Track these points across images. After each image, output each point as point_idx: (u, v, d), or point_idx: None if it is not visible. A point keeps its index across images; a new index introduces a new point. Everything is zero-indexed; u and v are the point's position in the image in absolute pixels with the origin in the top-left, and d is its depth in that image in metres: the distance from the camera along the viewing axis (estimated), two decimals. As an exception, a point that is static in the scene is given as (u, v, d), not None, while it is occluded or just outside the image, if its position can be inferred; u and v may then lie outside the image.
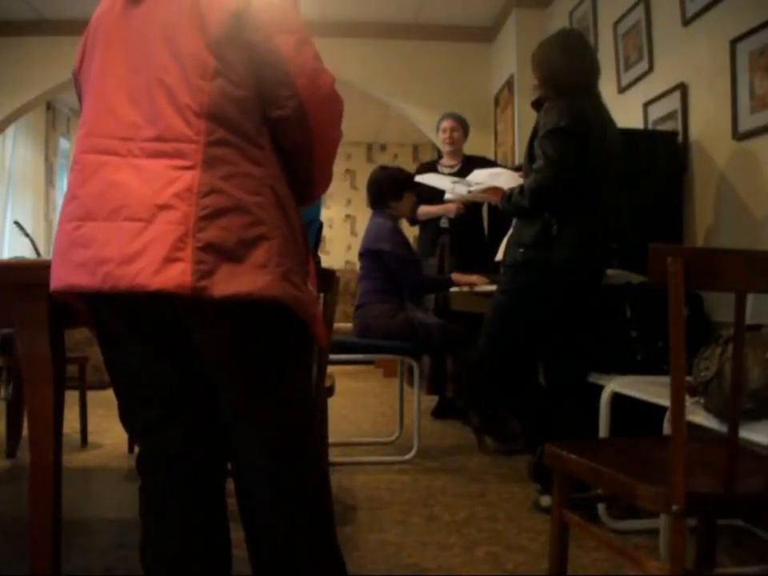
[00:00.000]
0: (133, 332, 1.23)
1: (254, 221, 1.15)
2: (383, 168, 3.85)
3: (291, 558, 1.25)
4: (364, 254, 3.70)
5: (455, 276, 3.72)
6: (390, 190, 3.70)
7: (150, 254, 1.09)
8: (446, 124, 4.39)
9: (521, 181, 2.77)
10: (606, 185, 2.49)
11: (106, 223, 1.13)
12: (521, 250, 2.51)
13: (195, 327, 1.18)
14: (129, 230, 1.11)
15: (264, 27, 1.19)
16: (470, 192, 2.99)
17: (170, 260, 1.09)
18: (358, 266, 3.87)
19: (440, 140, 4.49)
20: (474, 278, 3.65)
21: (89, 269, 1.13)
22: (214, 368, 1.21)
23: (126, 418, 1.33)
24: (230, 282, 1.10)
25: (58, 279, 1.18)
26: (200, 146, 1.14)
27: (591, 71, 2.56)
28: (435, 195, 3.77)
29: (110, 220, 1.13)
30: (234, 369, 1.20)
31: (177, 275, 1.08)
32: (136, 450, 1.33)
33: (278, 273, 1.14)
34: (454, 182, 3.20)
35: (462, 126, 4.41)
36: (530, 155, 2.52)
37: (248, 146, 1.18)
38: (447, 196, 3.52)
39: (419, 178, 3.73)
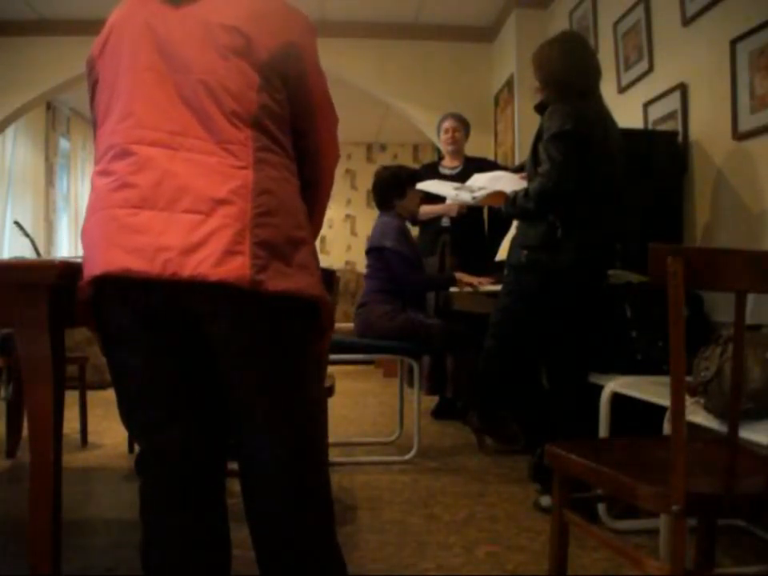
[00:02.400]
0: (143, 329, 1.22)
1: (298, 223, 1.24)
2: (385, 168, 3.85)
3: (298, 557, 1.26)
4: (369, 252, 3.71)
5: (459, 275, 3.72)
6: (393, 189, 3.70)
7: (211, 246, 1.13)
8: (448, 124, 4.38)
9: (522, 183, 2.77)
10: (609, 187, 2.50)
11: (164, 213, 1.15)
12: (525, 252, 2.51)
13: (223, 321, 1.19)
14: (188, 221, 1.14)
15: (304, 66, 1.31)
16: (474, 199, 2.98)
17: (230, 253, 1.13)
18: (358, 266, 3.86)
19: (441, 140, 4.48)
20: (477, 279, 3.65)
21: (146, 255, 1.13)
22: (236, 363, 1.22)
23: (127, 417, 1.32)
24: (281, 279, 1.16)
25: (109, 263, 1.16)
26: (249, 150, 1.21)
27: (593, 74, 2.57)
28: (436, 194, 3.76)
29: (168, 210, 1.15)
30: (257, 363, 1.22)
31: (237, 268, 1.13)
32: (136, 449, 1.33)
33: (316, 275, 1.23)
34: (457, 189, 3.18)
35: (463, 126, 4.40)
36: (535, 159, 2.52)
37: (284, 156, 1.27)
38: (449, 202, 3.50)
39: (420, 186, 3.72)
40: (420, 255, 3.87)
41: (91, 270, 1.19)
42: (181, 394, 1.26)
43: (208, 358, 1.23)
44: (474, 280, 3.65)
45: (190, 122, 1.20)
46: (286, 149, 1.28)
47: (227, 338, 1.20)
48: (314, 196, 1.42)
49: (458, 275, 3.72)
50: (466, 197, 3.04)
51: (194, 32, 1.23)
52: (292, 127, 1.32)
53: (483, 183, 3.04)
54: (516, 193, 2.57)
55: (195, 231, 1.14)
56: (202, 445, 1.29)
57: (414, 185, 3.73)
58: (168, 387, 1.25)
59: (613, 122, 2.56)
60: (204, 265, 1.12)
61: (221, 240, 1.13)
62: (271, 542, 1.27)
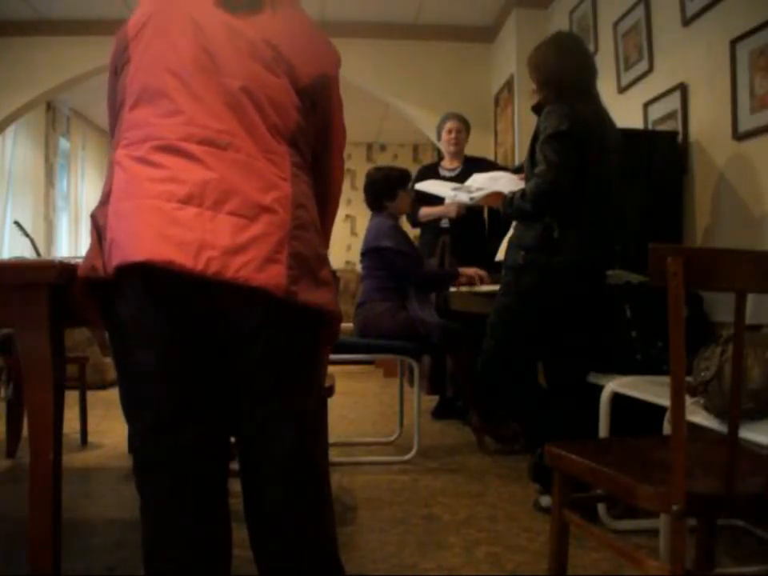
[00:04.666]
0: (162, 322, 1.20)
1: (321, 241, 1.29)
2: (377, 169, 3.86)
3: (297, 557, 1.26)
4: (366, 254, 3.71)
5: (462, 269, 3.73)
6: (384, 190, 3.70)
7: (254, 250, 1.15)
8: (451, 125, 4.36)
9: (521, 183, 2.77)
10: (607, 187, 2.49)
11: (209, 212, 1.16)
12: (522, 253, 2.51)
13: (249, 323, 1.21)
14: (233, 223, 1.16)
15: (330, 96, 1.40)
16: (472, 200, 2.98)
17: (270, 260, 1.16)
18: (358, 266, 3.86)
19: (443, 140, 4.44)
20: (475, 271, 3.67)
21: (190, 250, 1.14)
22: (252, 364, 1.23)
23: (133, 416, 1.29)
24: (309, 292, 1.20)
25: (154, 252, 1.14)
26: (288, 163, 1.25)
27: (589, 72, 2.57)
28: (436, 196, 3.76)
29: (214, 210, 1.17)
30: (272, 366, 1.24)
31: (275, 275, 1.16)
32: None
33: (334, 290, 1.28)
34: (455, 189, 3.18)
35: (465, 126, 4.39)
36: (532, 159, 2.52)
37: (309, 176, 1.33)
38: (447, 202, 3.50)
39: (419, 186, 3.72)
40: (416, 248, 3.87)
41: (130, 255, 1.15)
42: (193, 393, 1.25)
43: (221, 356, 1.24)
44: (475, 272, 3.67)
45: (235, 126, 1.23)
46: (309, 169, 1.34)
47: (250, 339, 1.22)
48: (326, 215, 1.47)
49: (460, 269, 3.74)
50: (463, 197, 3.04)
51: (241, 44, 1.27)
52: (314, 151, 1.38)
53: (482, 183, 3.03)
54: (513, 193, 2.57)
55: (240, 234, 1.15)
56: (211, 445, 1.28)
57: (405, 186, 3.75)
58: (181, 385, 1.24)
59: (610, 122, 2.56)
60: (247, 268, 1.14)
61: (263, 246, 1.16)
62: (270, 541, 1.27)
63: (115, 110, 1.34)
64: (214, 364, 1.24)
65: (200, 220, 1.15)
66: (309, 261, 1.22)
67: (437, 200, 3.99)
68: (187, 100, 1.23)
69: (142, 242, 1.15)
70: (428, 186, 3.64)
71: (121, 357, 1.27)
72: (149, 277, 1.17)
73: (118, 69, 1.34)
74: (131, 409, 1.29)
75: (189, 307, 1.20)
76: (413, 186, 3.87)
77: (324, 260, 1.28)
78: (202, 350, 1.23)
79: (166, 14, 1.30)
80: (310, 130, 1.34)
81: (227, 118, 1.22)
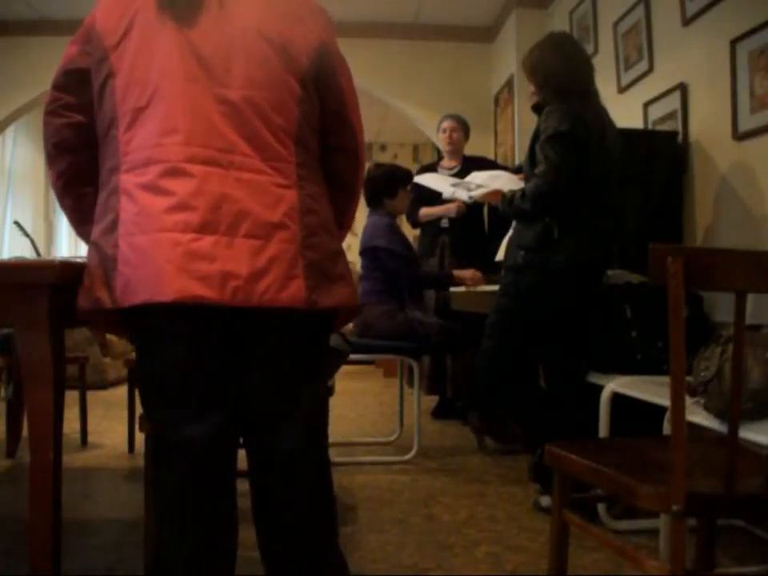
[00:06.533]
0: (187, 329, 1.22)
1: (333, 237, 1.29)
2: (378, 166, 3.84)
3: (306, 556, 1.27)
4: (362, 254, 3.70)
5: (456, 272, 3.72)
6: (385, 187, 3.69)
7: (274, 272, 1.17)
8: (446, 124, 4.39)
9: (520, 183, 2.77)
10: (606, 187, 2.50)
11: (225, 238, 1.17)
12: (521, 253, 2.51)
13: (273, 336, 1.24)
14: (250, 247, 1.17)
15: (333, 66, 1.33)
16: (470, 198, 2.98)
17: (289, 277, 1.18)
18: (357, 265, 3.86)
19: (440, 140, 4.48)
20: (472, 271, 3.66)
21: (215, 282, 1.15)
22: (265, 367, 1.25)
23: (157, 411, 1.29)
24: (328, 295, 1.23)
25: (180, 291, 1.13)
26: (292, 167, 1.23)
27: (586, 69, 2.57)
28: (436, 196, 3.76)
29: (229, 235, 1.17)
30: (289, 362, 1.25)
31: (296, 291, 1.19)
32: (136, 450, 1.33)
33: (351, 284, 1.29)
34: (454, 185, 3.19)
35: (462, 126, 4.41)
36: (532, 159, 2.52)
37: (317, 168, 1.30)
38: (445, 197, 3.51)
39: (418, 179, 3.72)
40: (414, 250, 3.87)
41: (157, 295, 1.15)
42: (216, 387, 1.25)
43: (236, 357, 1.25)
44: (468, 274, 3.66)
45: (235, 139, 1.19)
46: (316, 158, 1.31)
47: (273, 347, 1.25)
48: (350, 196, 1.43)
49: (455, 272, 3.73)
50: (462, 195, 3.04)
51: (231, 41, 1.21)
52: (322, 128, 1.33)
53: (481, 181, 3.04)
54: (513, 193, 2.57)
55: (258, 257, 1.17)
56: (227, 437, 1.28)
57: (406, 186, 3.73)
58: (206, 379, 1.24)
59: (610, 122, 2.55)
60: (270, 291, 1.17)
61: (281, 266, 1.18)
62: (275, 538, 1.27)
63: (92, 120, 1.29)
64: (229, 359, 1.25)
65: (218, 248, 1.16)
66: (323, 264, 1.23)
67: (436, 200, 3.99)
68: (185, 117, 1.19)
69: (167, 280, 1.14)
70: (427, 180, 3.64)
71: (147, 356, 1.27)
72: (176, 312, 1.18)
73: (94, 78, 1.27)
74: (156, 404, 1.29)
75: (217, 326, 1.23)
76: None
77: (337, 255, 1.28)
78: (221, 346, 1.24)
79: (149, 25, 1.22)
80: (316, 114, 1.30)
81: (227, 131, 1.19)
